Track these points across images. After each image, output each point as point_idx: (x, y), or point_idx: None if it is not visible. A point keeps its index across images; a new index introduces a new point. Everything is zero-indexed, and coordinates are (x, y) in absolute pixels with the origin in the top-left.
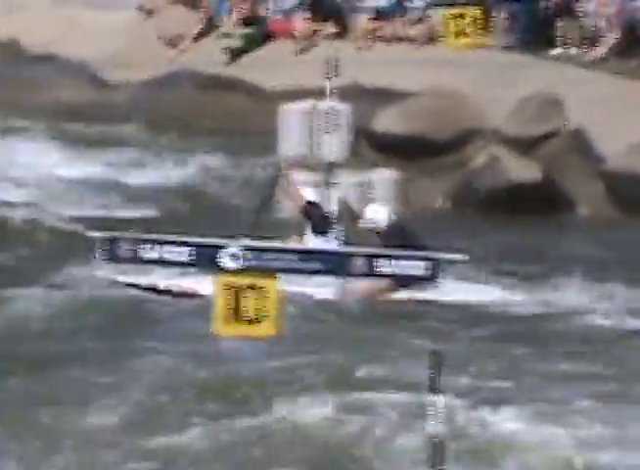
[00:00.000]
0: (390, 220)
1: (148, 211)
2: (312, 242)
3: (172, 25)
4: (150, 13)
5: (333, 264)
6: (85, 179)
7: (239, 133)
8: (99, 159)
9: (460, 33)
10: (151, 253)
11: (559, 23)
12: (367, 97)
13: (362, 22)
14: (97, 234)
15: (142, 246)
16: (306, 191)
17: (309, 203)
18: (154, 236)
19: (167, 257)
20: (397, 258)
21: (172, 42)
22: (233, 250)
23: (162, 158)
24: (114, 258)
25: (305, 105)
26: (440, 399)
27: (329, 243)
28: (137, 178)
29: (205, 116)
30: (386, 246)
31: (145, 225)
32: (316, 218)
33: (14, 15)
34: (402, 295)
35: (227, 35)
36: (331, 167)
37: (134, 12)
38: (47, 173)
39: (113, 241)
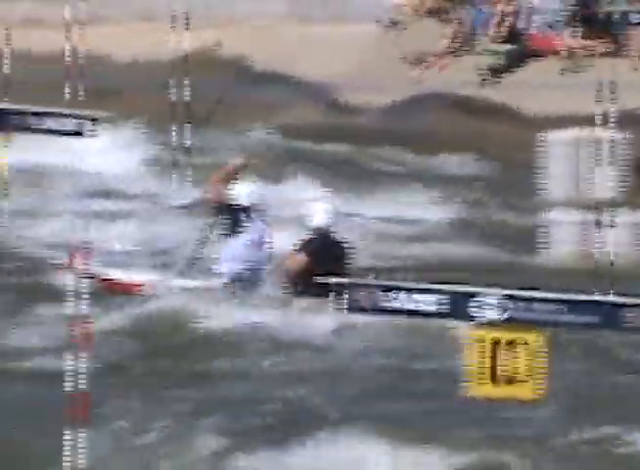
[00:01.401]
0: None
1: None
2: None
3: (419, 41)
4: (393, 27)
5: (608, 316)
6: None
7: (496, 164)
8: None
9: None
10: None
11: None
12: None
13: None
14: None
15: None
16: None
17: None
18: (399, 283)
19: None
20: None
21: (418, 60)
22: (490, 299)
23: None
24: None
25: (573, 133)
26: None
27: None
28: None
29: (457, 143)
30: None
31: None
32: None
33: (242, 32)
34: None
35: (482, 52)
36: (603, 206)
37: (374, 26)
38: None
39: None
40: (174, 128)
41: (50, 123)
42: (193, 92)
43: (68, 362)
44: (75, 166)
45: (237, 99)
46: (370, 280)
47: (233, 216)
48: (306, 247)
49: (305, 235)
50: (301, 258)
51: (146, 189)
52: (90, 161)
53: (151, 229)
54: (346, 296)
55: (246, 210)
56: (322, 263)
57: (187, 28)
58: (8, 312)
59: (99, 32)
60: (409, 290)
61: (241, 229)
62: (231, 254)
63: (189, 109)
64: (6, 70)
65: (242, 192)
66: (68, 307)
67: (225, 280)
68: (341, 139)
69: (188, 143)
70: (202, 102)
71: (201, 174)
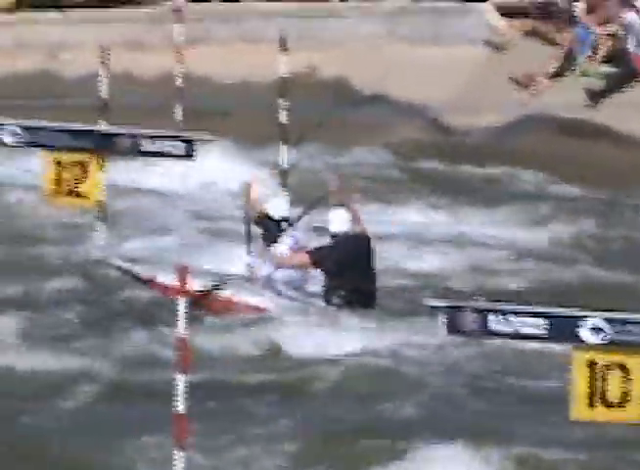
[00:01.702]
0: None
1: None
2: None
3: (526, 62)
4: (499, 48)
5: None
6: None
7: (606, 190)
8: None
9: None
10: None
11: None
12: None
13: None
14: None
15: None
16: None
17: None
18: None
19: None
20: None
21: (525, 82)
22: (596, 320)
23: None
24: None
25: None
26: None
27: None
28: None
29: (565, 167)
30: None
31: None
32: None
33: (343, 53)
34: None
35: (588, 73)
36: None
37: (479, 48)
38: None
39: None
40: (278, 149)
41: (158, 146)
42: (293, 113)
43: (173, 382)
44: (180, 188)
45: (336, 120)
46: (472, 302)
47: (272, 227)
48: (315, 251)
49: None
50: (302, 257)
51: None
52: (194, 181)
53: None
54: (446, 317)
55: (283, 221)
56: (331, 268)
57: (287, 50)
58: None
59: (201, 54)
60: (511, 313)
61: (281, 238)
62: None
63: (290, 130)
64: (104, 93)
65: (275, 207)
66: (178, 329)
67: (279, 287)
68: (440, 158)
69: (288, 164)
70: (302, 123)
71: (301, 194)
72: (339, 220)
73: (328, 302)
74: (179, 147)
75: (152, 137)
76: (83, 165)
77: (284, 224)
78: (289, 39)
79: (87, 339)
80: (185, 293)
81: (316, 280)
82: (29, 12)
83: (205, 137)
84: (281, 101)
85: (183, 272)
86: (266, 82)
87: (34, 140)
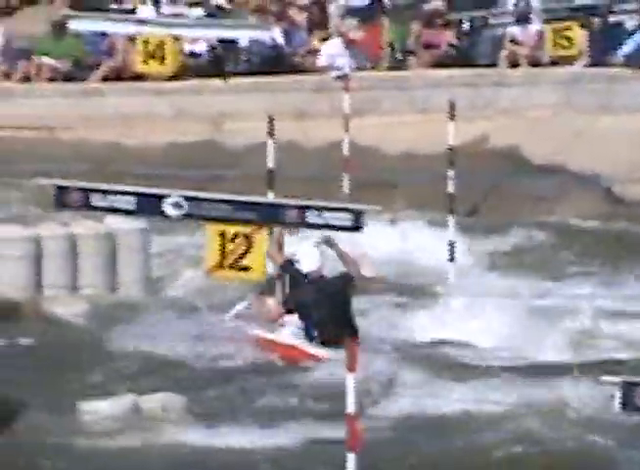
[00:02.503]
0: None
1: None
2: None
3: None
4: None
5: None
6: None
7: None
8: None
9: None
10: None
11: None
12: None
13: None
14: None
15: None
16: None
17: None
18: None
19: None
20: None
21: None
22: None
23: None
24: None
25: None
26: None
27: None
28: None
29: None
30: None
31: None
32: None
33: (515, 123)
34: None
35: None
36: None
37: None
38: None
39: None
40: (449, 219)
41: (325, 217)
42: (463, 183)
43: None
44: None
45: (507, 190)
46: None
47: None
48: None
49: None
50: (271, 304)
51: None
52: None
53: None
54: (620, 394)
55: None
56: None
57: (456, 119)
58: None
59: (368, 123)
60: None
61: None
62: None
63: (459, 200)
64: (271, 163)
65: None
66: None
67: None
68: (614, 229)
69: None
70: (472, 193)
71: None
72: (309, 260)
73: (310, 340)
74: (346, 219)
75: (318, 209)
76: (248, 238)
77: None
78: (458, 108)
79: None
80: (354, 369)
81: (292, 323)
82: (192, 80)
83: (374, 209)
84: (449, 171)
85: (354, 348)
86: (435, 152)
87: (198, 212)
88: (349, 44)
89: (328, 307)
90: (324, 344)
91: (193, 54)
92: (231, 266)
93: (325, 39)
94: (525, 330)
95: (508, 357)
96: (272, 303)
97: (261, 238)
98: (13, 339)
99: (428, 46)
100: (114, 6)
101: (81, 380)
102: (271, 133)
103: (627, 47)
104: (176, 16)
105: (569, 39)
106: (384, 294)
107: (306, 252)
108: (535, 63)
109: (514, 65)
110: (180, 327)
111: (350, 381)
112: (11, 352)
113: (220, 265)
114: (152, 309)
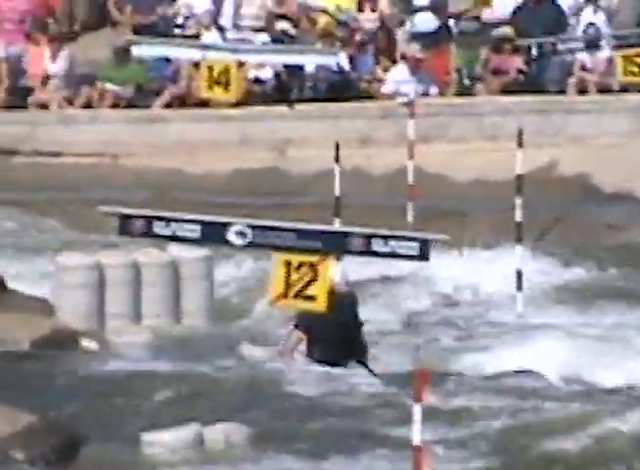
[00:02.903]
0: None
1: None
2: None
3: None
4: None
5: None
6: None
7: None
8: None
9: None
10: None
11: None
12: None
13: None
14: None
15: None
16: None
17: None
18: None
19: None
20: None
21: None
22: None
23: None
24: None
25: None
26: None
27: None
28: None
29: None
30: None
31: None
32: None
33: (584, 150)
34: None
35: None
36: None
37: None
38: None
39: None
40: (517, 248)
41: (391, 246)
42: (532, 211)
43: None
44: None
45: (576, 218)
46: None
47: None
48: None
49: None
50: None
51: None
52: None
53: None
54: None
55: None
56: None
57: (524, 146)
58: None
59: (434, 150)
60: None
61: None
62: None
63: (527, 228)
64: (337, 191)
65: None
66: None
67: None
68: None
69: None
70: (540, 221)
71: None
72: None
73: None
74: (413, 248)
75: (385, 237)
76: (313, 267)
77: None
78: (526, 135)
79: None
80: (420, 399)
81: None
82: (257, 107)
83: (442, 238)
84: (517, 199)
85: (423, 378)
86: (503, 180)
87: (263, 240)
88: (415, 70)
89: (340, 325)
90: (326, 362)
91: (258, 80)
92: (296, 296)
93: (392, 64)
94: (597, 357)
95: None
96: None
97: (326, 267)
98: (74, 369)
99: (496, 72)
100: (177, 31)
101: (141, 410)
102: (337, 160)
103: None
104: (241, 41)
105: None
106: (448, 325)
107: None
108: (605, 89)
109: (583, 91)
110: None
111: (418, 411)
112: (73, 383)
113: (285, 295)
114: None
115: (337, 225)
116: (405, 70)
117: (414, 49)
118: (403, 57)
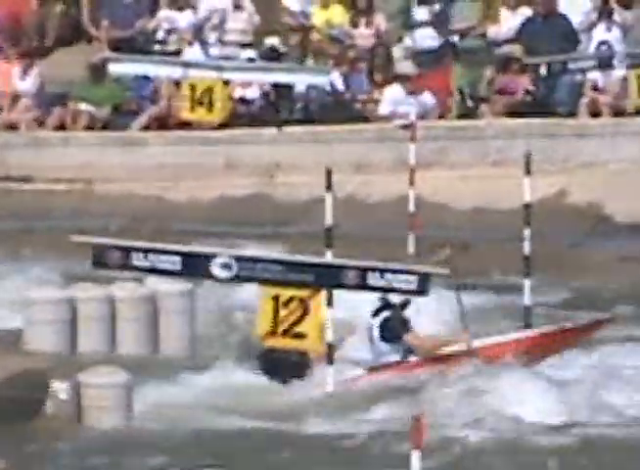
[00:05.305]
0: None
1: None
2: None
3: None
4: None
5: None
6: None
7: None
8: None
9: None
10: None
11: None
12: None
13: None
14: None
15: None
16: None
17: None
18: None
19: None
20: None
21: None
22: None
23: None
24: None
25: None
26: None
27: None
28: None
29: None
30: None
31: None
32: None
33: (592, 175)
34: None
35: None
36: None
37: None
38: None
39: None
40: (525, 283)
41: (388, 280)
42: (540, 243)
43: None
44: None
45: (588, 250)
46: None
47: None
48: None
49: None
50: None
51: None
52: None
53: None
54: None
55: None
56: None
57: (532, 173)
58: None
59: (435, 177)
60: None
61: None
62: None
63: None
64: (328, 220)
65: None
66: None
67: None
68: None
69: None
70: (549, 251)
71: None
72: None
73: None
74: (411, 282)
75: (381, 271)
76: (304, 302)
77: None
78: (535, 160)
79: None
80: (419, 446)
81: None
82: (243, 129)
83: (442, 272)
84: (525, 230)
85: (420, 424)
86: (509, 209)
87: (249, 273)
88: (413, 90)
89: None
90: None
91: (244, 100)
92: (284, 333)
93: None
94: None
95: None
96: None
97: (318, 302)
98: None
99: (502, 92)
100: (157, 47)
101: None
102: (329, 187)
103: None
104: (226, 58)
105: None
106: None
107: None
108: (619, 111)
109: (595, 114)
110: None
111: (416, 458)
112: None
113: (273, 332)
114: None
115: (329, 258)
116: (400, 91)
117: (407, 68)
118: (396, 76)
